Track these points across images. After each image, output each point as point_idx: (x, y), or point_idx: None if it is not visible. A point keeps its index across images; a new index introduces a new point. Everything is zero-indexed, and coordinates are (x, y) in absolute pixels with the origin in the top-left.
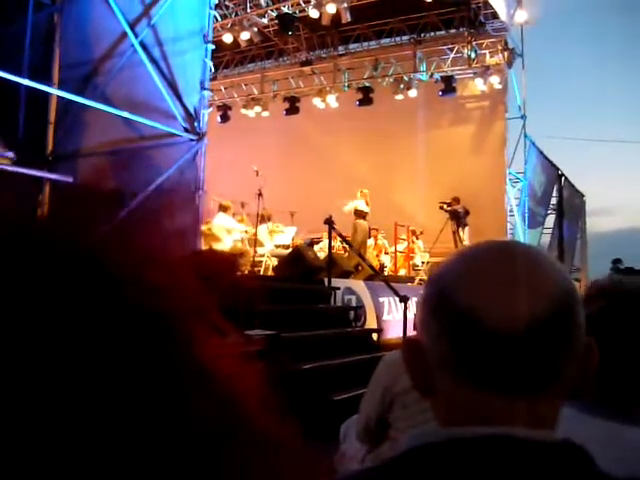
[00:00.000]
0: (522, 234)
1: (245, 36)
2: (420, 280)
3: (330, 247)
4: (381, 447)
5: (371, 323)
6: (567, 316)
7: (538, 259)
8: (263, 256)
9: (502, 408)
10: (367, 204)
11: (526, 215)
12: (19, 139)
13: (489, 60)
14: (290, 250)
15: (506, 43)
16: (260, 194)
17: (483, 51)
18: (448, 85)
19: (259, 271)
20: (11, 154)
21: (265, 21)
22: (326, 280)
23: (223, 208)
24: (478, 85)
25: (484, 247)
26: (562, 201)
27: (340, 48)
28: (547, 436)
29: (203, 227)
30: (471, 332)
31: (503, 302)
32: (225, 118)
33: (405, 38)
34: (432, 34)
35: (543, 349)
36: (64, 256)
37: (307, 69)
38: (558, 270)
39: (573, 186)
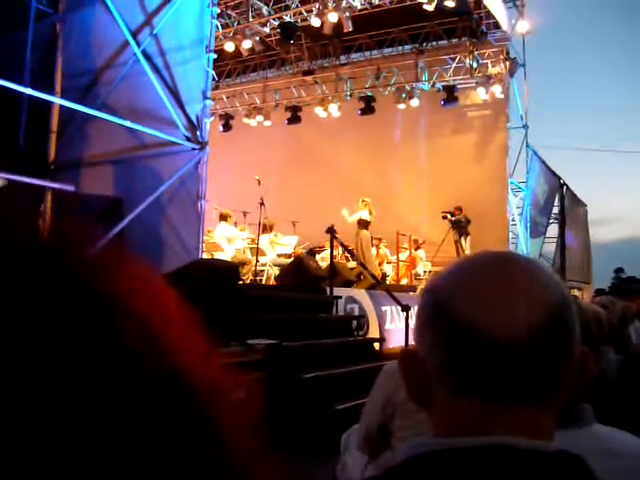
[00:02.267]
0: (525, 243)
1: (247, 45)
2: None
3: (332, 256)
4: (382, 457)
5: (373, 332)
6: (564, 325)
7: (533, 269)
8: (265, 265)
9: (501, 418)
10: (370, 213)
11: (528, 224)
12: (21, 148)
13: (491, 70)
14: (292, 259)
15: (508, 53)
16: (262, 203)
17: (485, 61)
18: (450, 95)
19: (261, 280)
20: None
21: (267, 30)
22: (328, 289)
23: (223, 217)
24: (480, 94)
25: (480, 257)
26: (564, 210)
27: (342, 57)
28: (546, 446)
29: (205, 237)
30: (469, 342)
31: (501, 312)
32: (227, 127)
33: (407, 47)
34: (434, 44)
35: (541, 358)
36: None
37: (309, 78)
38: (553, 279)
39: (575, 195)
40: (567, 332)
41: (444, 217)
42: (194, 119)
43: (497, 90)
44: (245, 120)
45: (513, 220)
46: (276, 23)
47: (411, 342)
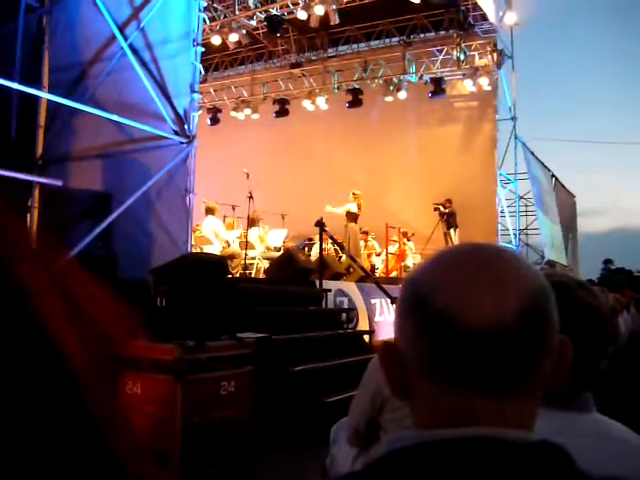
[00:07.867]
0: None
1: (234, 38)
2: None
3: (321, 249)
4: (371, 450)
5: (363, 325)
6: (542, 315)
7: (512, 260)
8: (254, 259)
9: (481, 409)
10: (359, 206)
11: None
12: (9, 143)
13: (478, 62)
14: (281, 253)
15: (495, 45)
16: (251, 197)
17: (472, 53)
18: (438, 87)
19: (251, 274)
20: None
21: (253, 23)
22: (318, 282)
23: (210, 210)
24: (467, 86)
25: (459, 249)
26: None
27: (329, 50)
28: (526, 437)
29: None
30: (448, 333)
31: (479, 302)
32: (215, 120)
33: (394, 40)
34: (421, 36)
35: (520, 348)
36: None
37: (297, 71)
38: (531, 270)
39: (564, 187)
40: (545, 322)
41: (436, 209)
42: (182, 113)
43: (484, 82)
44: (233, 113)
45: (502, 212)
46: (262, 16)
47: None
